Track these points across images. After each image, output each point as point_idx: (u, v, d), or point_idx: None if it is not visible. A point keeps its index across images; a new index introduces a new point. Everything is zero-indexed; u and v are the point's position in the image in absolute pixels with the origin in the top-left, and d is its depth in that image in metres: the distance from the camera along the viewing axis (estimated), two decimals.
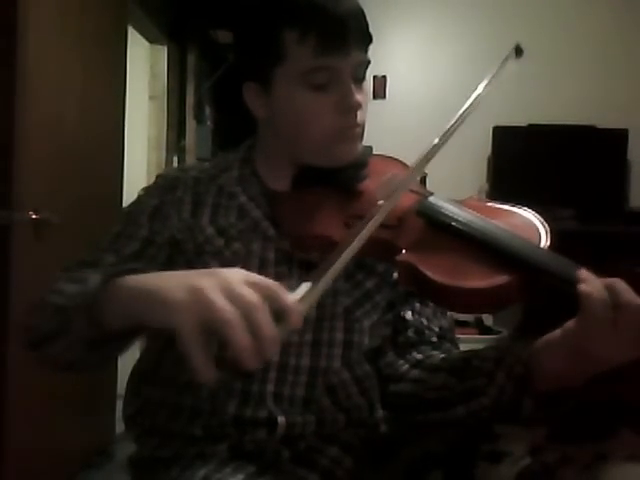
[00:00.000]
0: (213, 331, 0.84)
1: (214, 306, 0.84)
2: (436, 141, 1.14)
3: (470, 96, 1.18)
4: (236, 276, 0.89)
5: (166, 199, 1.29)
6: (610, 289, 0.99)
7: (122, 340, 1.06)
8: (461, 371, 1.19)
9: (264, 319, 0.84)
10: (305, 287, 0.91)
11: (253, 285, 0.87)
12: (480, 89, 1.19)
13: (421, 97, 4.93)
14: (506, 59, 1.21)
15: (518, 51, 1.21)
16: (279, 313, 0.86)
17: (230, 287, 0.86)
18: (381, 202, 1.08)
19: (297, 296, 0.90)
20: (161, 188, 1.32)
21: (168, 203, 1.29)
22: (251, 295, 0.85)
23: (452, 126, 1.15)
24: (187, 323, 0.85)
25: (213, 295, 0.85)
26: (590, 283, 0.99)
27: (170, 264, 1.27)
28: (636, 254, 3.84)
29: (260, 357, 0.84)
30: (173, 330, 0.86)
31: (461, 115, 1.16)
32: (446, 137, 1.14)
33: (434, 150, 1.13)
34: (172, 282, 0.92)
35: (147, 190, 1.34)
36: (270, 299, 0.86)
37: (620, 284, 1.00)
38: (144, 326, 0.98)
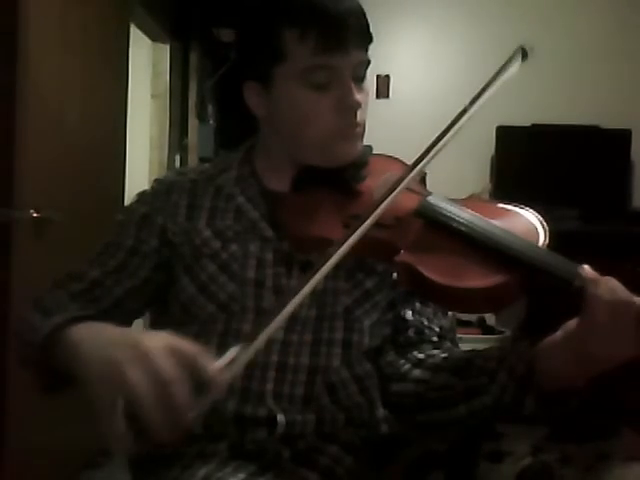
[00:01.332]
0: (129, 405, 0.86)
1: (127, 382, 0.86)
2: (432, 141, 1.13)
3: (472, 96, 1.18)
4: (158, 346, 0.89)
5: (157, 205, 1.30)
6: (609, 289, 0.99)
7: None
8: (463, 370, 1.19)
9: (179, 393, 0.85)
10: (233, 352, 0.92)
11: (175, 354, 0.88)
12: (483, 95, 1.18)
13: (425, 96, 4.92)
14: (510, 61, 1.20)
15: (524, 54, 1.20)
16: (201, 382, 0.87)
17: (148, 359, 0.87)
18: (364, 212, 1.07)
19: (222, 363, 0.90)
20: (154, 194, 1.33)
21: (158, 210, 1.30)
22: (168, 368, 0.86)
23: (450, 128, 1.14)
24: (101, 397, 0.89)
25: (128, 369, 0.87)
26: (594, 282, 1.00)
27: (168, 269, 1.28)
28: (639, 254, 3.83)
29: (174, 430, 0.86)
30: (93, 400, 0.90)
31: (461, 115, 1.15)
32: (443, 139, 1.13)
33: (432, 153, 1.12)
34: (97, 349, 0.95)
35: (140, 196, 1.35)
36: (191, 368, 0.88)
37: (614, 282, 1.00)
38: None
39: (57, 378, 1.12)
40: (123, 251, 1.28)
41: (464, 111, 1.15)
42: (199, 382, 0.87)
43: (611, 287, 1.00)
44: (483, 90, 1.16)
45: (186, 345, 0.91)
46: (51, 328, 1.07)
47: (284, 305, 0.96)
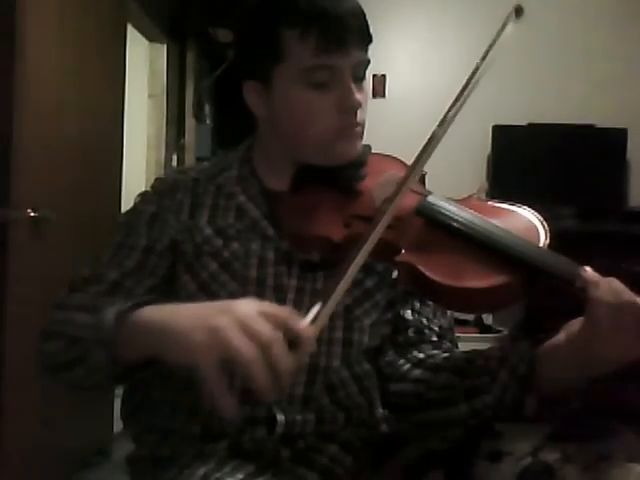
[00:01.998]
0: (235, 369, 0.88)
1: (233, 346, 0.88)
2: (435, 129, 1.13)
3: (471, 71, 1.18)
4: (250, 310, 0.91)
5: (164, 204, 1.29)
6: (611, 290, 0.99)
7: (143, 369, 1.08)
8: (464, 370, 1.19)
9: (281, 354, 0.88)
10: (316, 309, 0.95)
11: (267, 316, 0.90)
12: (481, 62, 1.19)
13: (421, 96, 4.92)
14: (506, 20, 1.20)
15: (518, 11, 1.19)
16: (293, 340, 0.90)
17: (247, 324, 0.89)
18: (382, 205, 1.09)
19: (308, 319, 0.93)
20: (159, 193, 1.31)
21: (166, 208, 1.29)
22: (267, 330, 0.89)
23: (453, 106, 1.14)
24: (208, 364, 0.89)
25: (231, 334, 0.88)
26: (595, 285, 1.00)
27: (172, 267, 1.27)
28: (635, 253, 3.84)
29: (278, 391, 0.88)
30: (194, 368, 0.90)
31: (463, 90, 1.15)
32: (445, 124, 1.13)
33: (434, 142, 1.12)
34: (189, 321, 0.95)
35: (143, 197, 1.33)
36: (284, 328, 0.90)
37: (616, 283, 1.00)
38: (163, 360, 1.01)
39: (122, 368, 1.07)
40: (138, 251, 1.26)
41: (465, 88, 1.15)
42: (291, 340, 0.90)
43: (614, 289, 1.00)
44: (485, 56, 1.18)
45: (276, 308, 0.94)
46: (116, 315, 1.04)
47: (348, 266, 1.00)
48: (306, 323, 0.93)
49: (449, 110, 1.13)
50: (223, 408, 0.88)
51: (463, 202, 1.21)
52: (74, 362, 1.12)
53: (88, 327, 1.08)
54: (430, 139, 1.12)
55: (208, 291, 1.23)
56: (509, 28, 1.17)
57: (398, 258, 1.12)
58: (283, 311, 0.93)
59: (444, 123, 1.12)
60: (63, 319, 1.16)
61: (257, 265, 1.24)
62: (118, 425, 3.21)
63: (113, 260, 1.27)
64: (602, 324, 0.99)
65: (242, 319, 0.90)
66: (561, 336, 1.08)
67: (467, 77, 1.16)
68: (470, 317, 4.30)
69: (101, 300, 1.15)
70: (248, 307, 0.92)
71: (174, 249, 1.26)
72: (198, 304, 1.01)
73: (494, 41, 1.18)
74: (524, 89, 4.39)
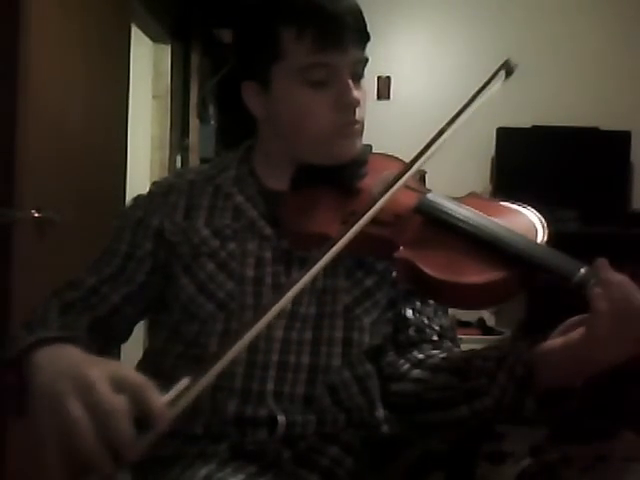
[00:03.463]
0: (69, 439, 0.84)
1: (67, 415, 0.85)
2: (422, 148, 1.15)
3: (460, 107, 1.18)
4: (102, 377, 0.88)
5: (152, 208, 1.31)
6: (621, 294, 0.98)
7: None
8: (463, 371, 1.19)
9: (120, 427, 0.83)
10: (182, 385, 0.89)
11: (119, 383, 0.87)
12: (469, 108, 1.19)
13: (425, 98, 4.92)
14: (495, 75, 1.21)
15: (508, 71, 1.21)
16: (146, 417, 0.85)
17: (90, 393, 0.86)
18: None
19: (169, 397, 0.88)
20: (150, 196, 1.34)
21: (152, 212, 1.30)
22: (109, 400, 0.85)
23: (438, 135, 1.15)
24: (46, 432, 0.87)
25: (69, 403, 0.86)
26: (605, 287, 0.99)
27: (165, 270, 1.28)
28: (638, 256, 3.83)
29: (116, 464, 0.84)
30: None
31: (448, 123, 1.16)
32: (434, 144, 1.14)
33: (428, 152, 1.13)
34: (45, 384, 0.93)
35: (135, 200, 1.36)
36: (137, 401, 0.86)
37: (628, 287, 1.00)
38: None
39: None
40: (118, 257, 1.29)
41: (450, 122, 1.16)
42: (144, 416, 0.85)
43: (623, 293, 0.99)
44: (465, 106, 1.18)
45: (134, 376, 0.89)
46: (22, 347, 1.04)
47: (248, 329, 0.95)
48: (165, 400, 0.87)
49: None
50: (50, 475, 0.85)
51: (462, 200, 1.22)
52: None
53: (13, 346, 1.09)
54: (429, 143, 1.13)
55: (206, 291, 1.23)
56: (496, 86, 1.18)
57: (396, 255, 1.12)
58: (141, 382, 0.88)
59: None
60: (18, 330, 1.18)
61: (254, 264, 1.24)
62: None
63: (95, 265, 1.30)
64: (603, 330, 0.98)
65: (88, 385, 0.87)
66: (558, 340, 1.08)
67: (444, 124, 1.17)
68: (472, 319, 4.29)
69: (49, 318, 1.18)
70: (102, 372, 0.88)
71: (168, 251, 1.28)
72: (79, 359, 0.96)
73: (478, 92, 1.19)
74: (528, 91, 4.38)
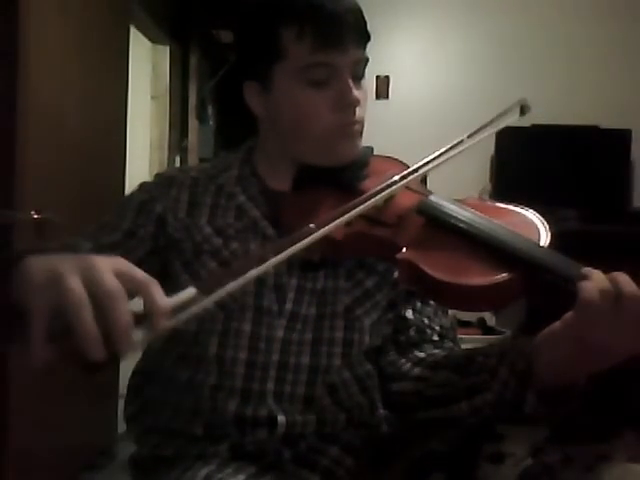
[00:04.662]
0: (62, 315, 0.79)
1: (63, 287, 0.80)
2: (422, 163, 1.15)
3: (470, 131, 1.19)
4: (105, 263, 0.83)
5: (156, 194, 1.30)
6: (613, 281, 0.98)
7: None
8: (464, 368, 1.19)
9: (119, 310, 0.79)
10: (188, 293, 0.85)
11: (122, 275, 0.82)
12: (477, 138, 1.20)
13: (424, 97, 4.92)
14: (507, 112, 1.21)
15: (523, 109, 1.21)
16: (145, 312, 0.81)
17: (91, 272, 0.81)
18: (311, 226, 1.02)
19: (173, 301, 0.83)
20: (155, 184, 1.33)
21: (157, 198, 1.30)
22: (112, 283, 0.80)
23: (440, 156, 1.15)
24: (36, 304, 0.81)
25: (69, 278, 0.80)
26: (591, 275, 0.99)
27: (167, 263, 1.27)
28: (639, 254, 3.83)
29: (105, 349, 0.78)
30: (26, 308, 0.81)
31: (453, 148, 1.17)
32: (437, 161, 1.15)
33: (424, 170, 1.14)
34: (39, 264, 0.87)
35: (141, 186, 1.35)
36: (139, 294, 0.82)
37: (623, 276, 1.00)
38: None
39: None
40: (119, 233, 1.27)
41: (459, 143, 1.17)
42: (143, 314, 0.81)
43: (614, 278, 0.99)
44: (479, 131, 1.19)
45: (139, 271, 0.85)
46: (17, 253, 0.99)
47: (251, 266, 0.90)
48: (170, 303, 0.83)
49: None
50: (31, 351, 0.80)
51: (464, 202, 1.22)
52: None
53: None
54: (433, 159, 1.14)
55: None
56: (509, 119, 1.18)
57: (399, 256, 1.12)
58: (147, 278, 0.84)
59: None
60: None
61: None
62: (122, 426, 3.22)
63: (92, 235, 1.27)
64: (595, 313, 0.97)
65: (88, 268, 0.82)
66: (556, 324, 1.07)
67: (451, 144, 1.17)
68: (473, 318, 4.29)
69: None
70: (107, 261, 0.84)
71: (169, 244, 1.27)
72: (64, 256, 0.90)
73: (490, 124, 1.19)
74: (528, 90, 4.36)
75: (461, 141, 1.18)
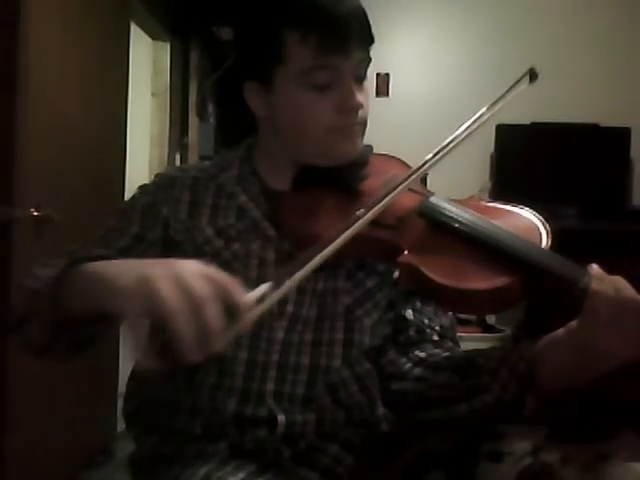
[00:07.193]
0: (158, 320, 0.84)
1: (160, 295, 0.84)
2: (429, 156, 1.13)
3: (475, 111, 1.18)
4: (191, 268, 0.88)
5: (160, 197, 1.30)
6: (614, 286, 0.98)
7: (87, 326, 1.06)
8: (464, 369, 1.19)
9: (211, 313, 0.84)
10: (264, 288, 0.91)
11: (207, 279, 0.87)
12: (487, 110, 1.18)
13: (424, 95, 4.92)
14: (519, 82, 1.20)
15: (532, 76, 1.20)
16: (231, 311, 0.86)
17: (181, 278, 0.86)
18: (361, 211, 1.07)
19: (253, 296, 0.89)
20: (156, 186, 1.33)
21: (162, 201, 1.29)
22: (202, 288, 0.85)
23: (449, 144, 1.14)
24: (129, 310, 0.86)
25: (160, 284, 0.85)
26: (600, 279, 0.99)
27: None
28: (638, 252, 3.83)
29: (203, 351, 0.84)
30: (119, 316, 0.87)
31: (462, 134, 1.15)
32: (442, 154, 1.14)
33: (435, 158, 1.13)
34: (125, 269, 0.92)
35: (142, 188, 1.35)
36: (223, 295, 0.86)
37: (622, 282, 1.00)
38: (100, 312, 0.98)
39: (65, 319, 1.05)
40: (128, 237, 1.27)
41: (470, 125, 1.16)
42: (229, 308, 0.86)
43: (617, 285, 1.00)
44: (491, 106, 1.17)
45: (221, 274, 0.90)
46: (68, 262, 1.03)
47: (313, 255, 0.97)
48: (250, 299, 0.89)
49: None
50: (135, 358, 0.85)
51: (465, 203, 1.21)
52: (28, 314, 1.12)
53: (45, 279, 1.09)
54: (442, 147, 1.13)
55: None
56: (521, 88, 1.18)
57: (400, 259, 1.12)
58: (228, 279, 0.89)
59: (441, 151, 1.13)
60: (30, 275, 1.16)
61: (257, 265, 1.24)
62: (121, 424, 3.22)
63: (102, 241, 1.28)
64: (601, 317, 0.98)
65: (178, 273, 0.87)
66: (560, 331, 1.07)
67: (470, 121, 1.17)
68: (472, 317, 4.29)
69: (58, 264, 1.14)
70: (190, 266, 0.89)
71: (173, 246, 1.26)
72: (144, 260, 0.98)
73: (503, 97, 1.19)
74: (528, 88, 4.37)
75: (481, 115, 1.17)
